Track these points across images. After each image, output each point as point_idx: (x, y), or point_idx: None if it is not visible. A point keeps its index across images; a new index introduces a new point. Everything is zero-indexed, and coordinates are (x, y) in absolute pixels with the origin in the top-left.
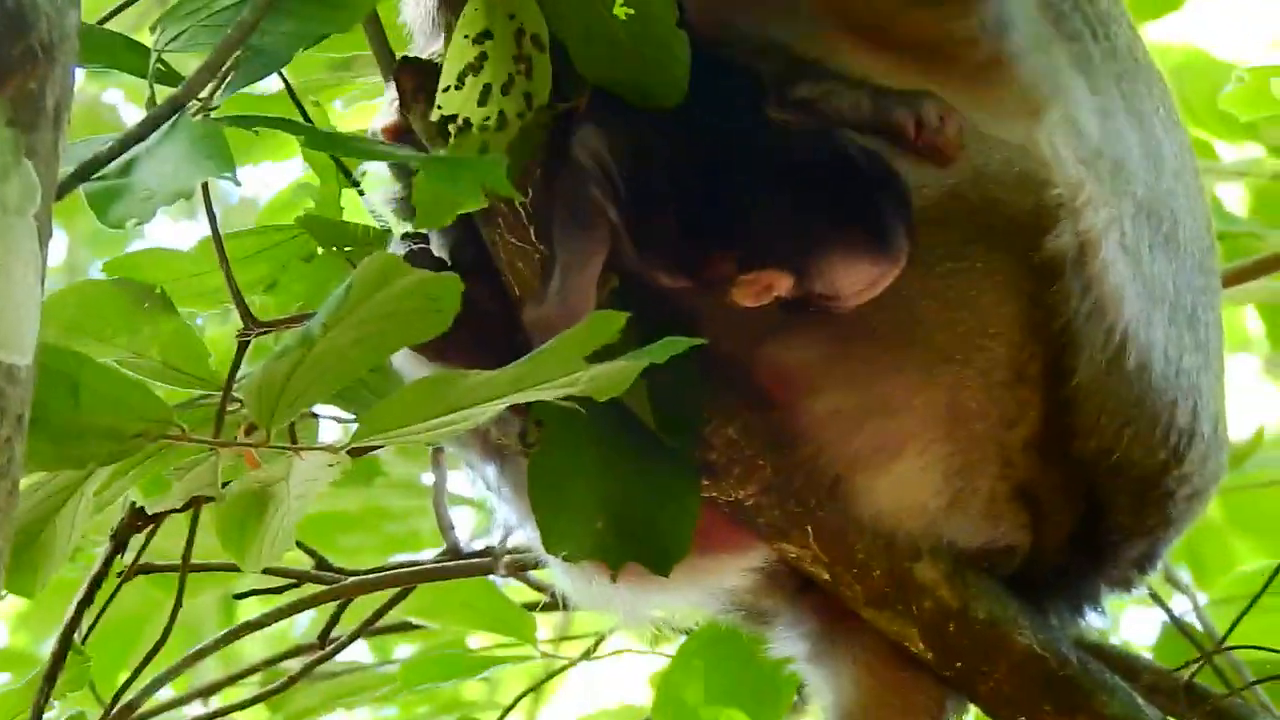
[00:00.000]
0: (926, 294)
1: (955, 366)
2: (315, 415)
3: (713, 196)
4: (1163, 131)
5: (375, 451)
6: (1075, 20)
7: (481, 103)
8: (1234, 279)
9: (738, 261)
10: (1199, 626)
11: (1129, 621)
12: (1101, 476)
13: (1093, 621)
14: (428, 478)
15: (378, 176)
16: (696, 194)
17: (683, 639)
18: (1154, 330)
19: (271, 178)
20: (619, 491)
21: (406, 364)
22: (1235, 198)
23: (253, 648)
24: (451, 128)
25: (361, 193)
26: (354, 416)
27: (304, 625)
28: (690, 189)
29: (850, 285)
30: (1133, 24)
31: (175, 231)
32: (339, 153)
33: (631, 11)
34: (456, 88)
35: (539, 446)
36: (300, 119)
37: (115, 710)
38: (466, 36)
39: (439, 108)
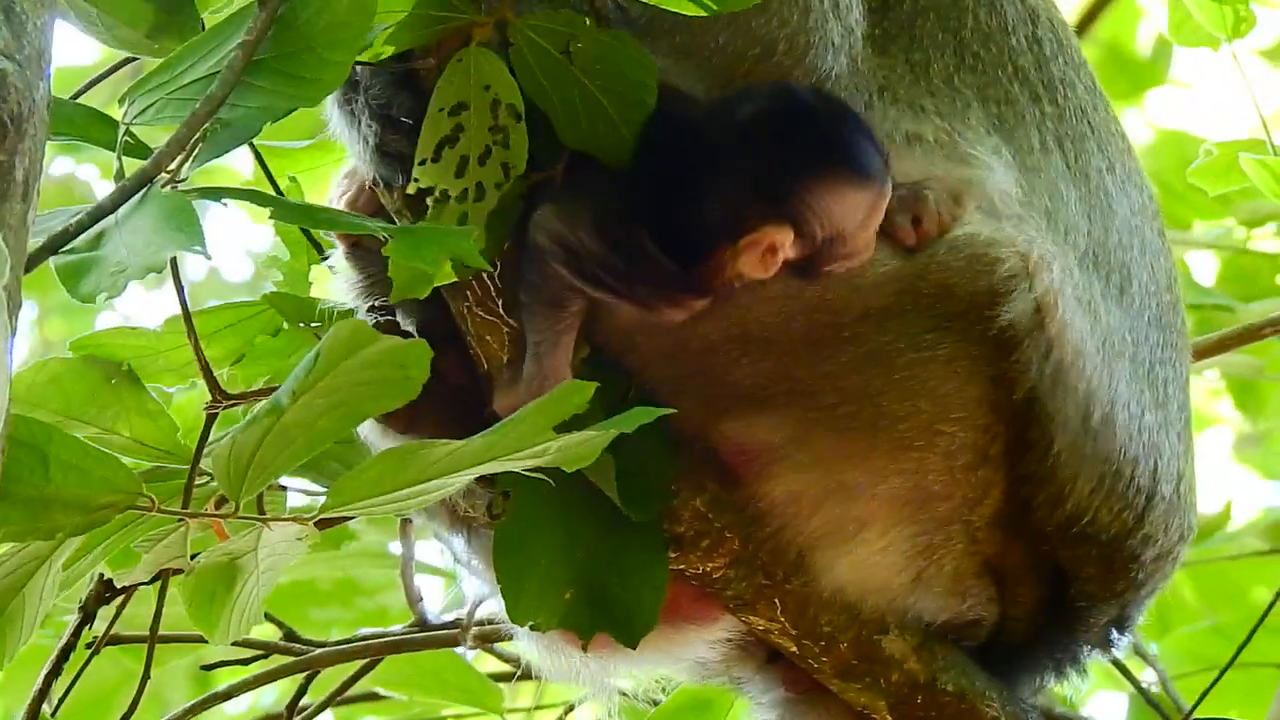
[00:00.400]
0: (889, 387)
1: (918, 453)
2: (284, 488)
3: (686, 201)
4: (1114, 188)
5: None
6: (1011, 86)
7: (459, 174)
8: (1201, 354)
9: (733, 237)
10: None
11: (1100, 697)
12: (1068, 543)
13: (1074, 682)
14: (396, 547)
15: (339, 265)
16: (669, 211)
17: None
18: (1117, 383)
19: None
20: (587, 563)
21: (374, 435)
22: (1209, 269)
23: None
24: (429, 200)
25: (331, 270)
26: (322, 489)
27: (274, 696)
28: (661, 211)
29: (848, 217)
30: (1094, 87)
31: (145, 301)
32: (310, 224)
33: (596, 65)
34: (433, 160)
35: (505, 517)
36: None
37: None
38: (441, 109)
39: (416, 180)
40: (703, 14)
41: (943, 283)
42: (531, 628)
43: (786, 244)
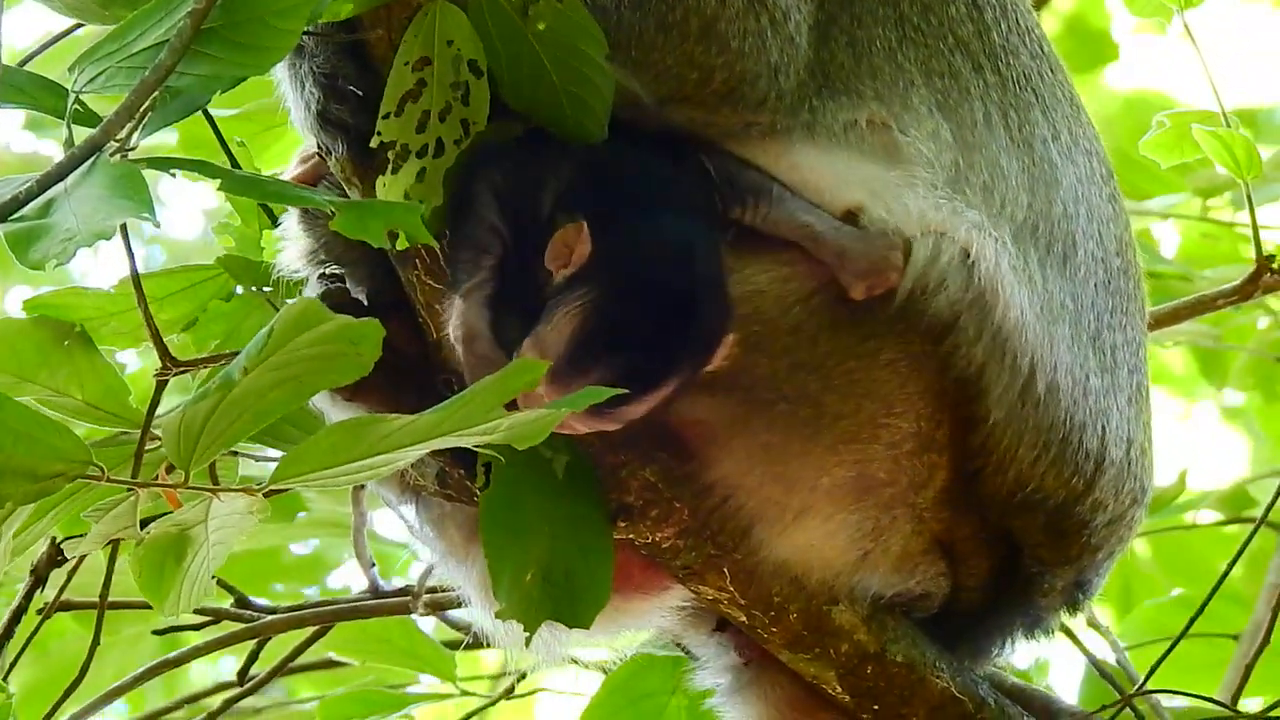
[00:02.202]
0: (828, 390)
1: (860, 445)
2: (235, 454)
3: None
4: (1059, 157)
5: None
6: (954, 57)
7: (420, 130)
8: (1157, 323)
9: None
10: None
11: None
12: (1015, 513)
13: (1039, 647)
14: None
15: (290, 232)
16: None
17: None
18: (1059, 349)
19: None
20: (545, 542)
21: (322, 401)
22: (1171, 240)
23: (192, 683)
24: (390, 154)
25: (283, 236)
26: (277, 454)
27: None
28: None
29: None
30: (1042, 52)
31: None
32: (258, 197)
33: (543, 27)
34: (396, 114)
35: (490, 490)
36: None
37: None
38: (406, 63)
39: (378, 134)
40: None
41: (871, 290)
42: (497, 615)
43: (581, 241)
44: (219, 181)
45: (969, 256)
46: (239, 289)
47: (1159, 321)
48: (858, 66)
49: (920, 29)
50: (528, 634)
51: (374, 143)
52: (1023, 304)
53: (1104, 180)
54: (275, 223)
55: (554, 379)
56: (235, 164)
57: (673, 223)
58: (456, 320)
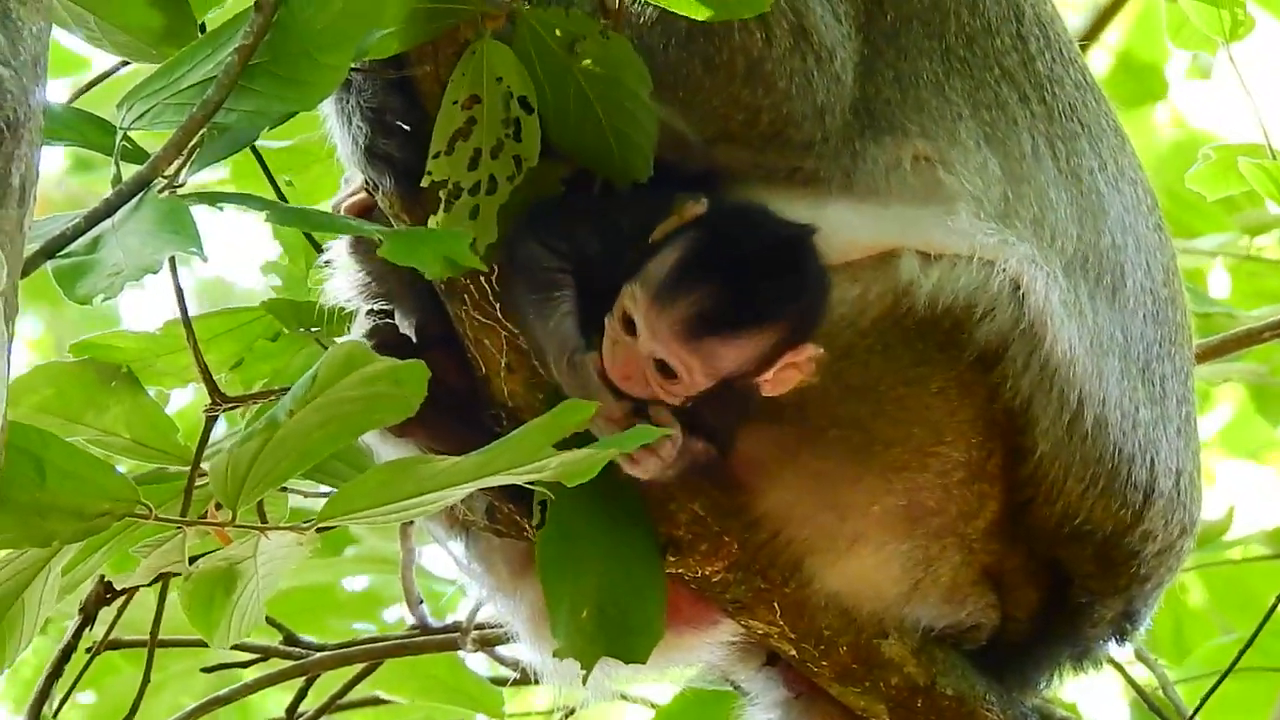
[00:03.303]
0: (879, 415)
1: (911, 474)
2: (285, 489)
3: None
4: (1106, 187)
5: None
6: (1000, 88)
7: (471, 167)
8: (1202, 357)
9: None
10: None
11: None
12: (1063, 544)
13: (1088, 676)
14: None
15: (338, 261)
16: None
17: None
18: (1108, 383)
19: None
20: (598, 578)
21: (370, 437)
22: (1220, 280)
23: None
24: (442, 193)
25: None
26: (325, 489)
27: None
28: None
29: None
30: (1085, 82)
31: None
32: (307, 228)
33: (589, 63)
34: (446, 153)
35: (546, 529)
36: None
37: None
38: (455, 102)
39: (429, 173)
40: (710, 16)
41: (922, 318)
42: (555, 653)
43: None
44: (266, 214)
45: (1019, 288)
46: (285, 329)
47: (1204, 355)
48: (904, 101)
49: (966, 60)
50: (584, 671)
51: (425, 181)
52: (1072, 338)
53: (1149, 209)
54: (321, 253)
55: (654, 300)
56: (283, 199)
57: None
58: (550, 349)
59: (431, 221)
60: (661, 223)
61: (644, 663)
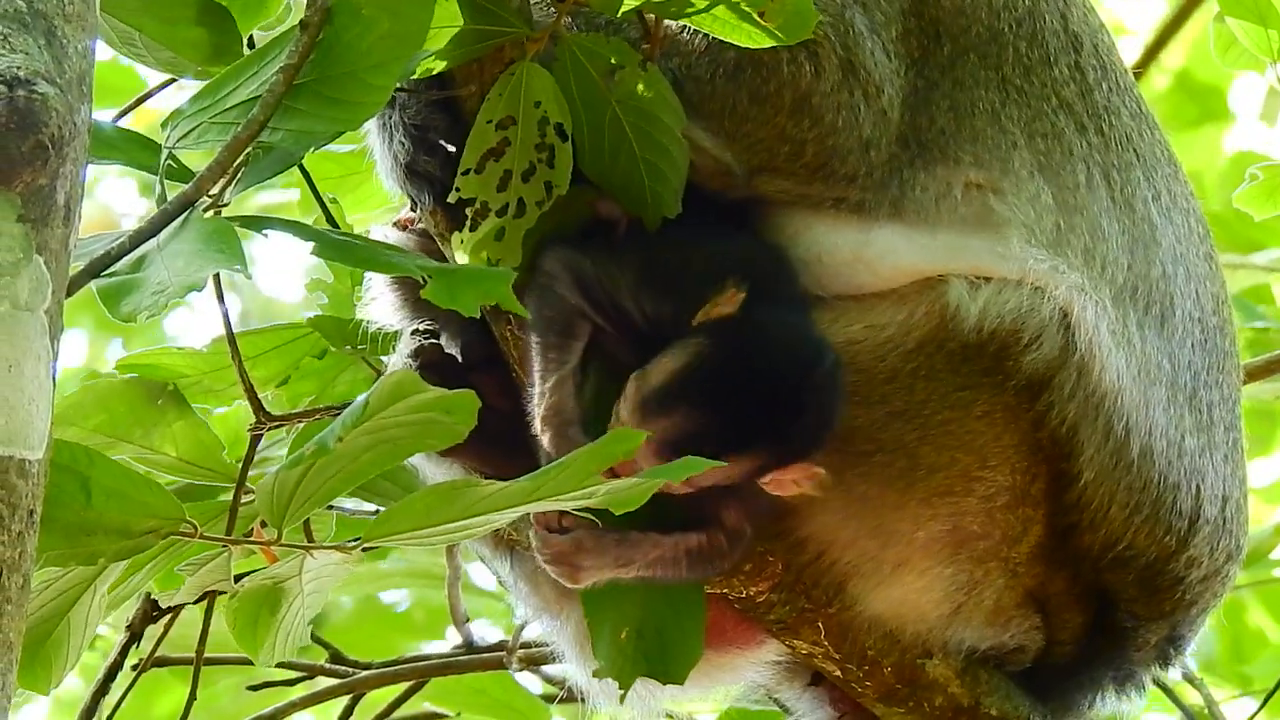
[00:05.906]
0: (924, 440)
1: (956, 498)
2: (331, 508)
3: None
4: (1159, 217)
5: None
6: (1057, 118)
7: (501, 188)
8: (1250, 376)
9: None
10: None
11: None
12: (1108, 569)
13: (1133, 699)
14: None
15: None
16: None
17: None
18: (1154, 412)
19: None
20: (639, 599)
21: (417, 457)
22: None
23: None
24: (469, 211)
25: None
26: (371, 508)
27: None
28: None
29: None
30: (1140, 111)
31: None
32: (349, 262)
33: (632, 100)
34: (476, 171)
35: None
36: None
37: None
38: (489, 121)
39: (456, 189)
40: (768, 44)
41: (968, 342)
42: (594, 674)
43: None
44: (313, 248)
45: (1067, 316)
46: (331, 347)
47: (1254, 373)
48: (958, 131)
49: (1023, 90)
50: (622, 691)
51: (452, 198)
52: (1119, 368)
53: (1201, 238)
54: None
55: (639, 407)
56: (330, 218)
57: (807, 325)
58: (543, 406)
59: (456, 238)
60: (701, 303)
61: (681, 684)
